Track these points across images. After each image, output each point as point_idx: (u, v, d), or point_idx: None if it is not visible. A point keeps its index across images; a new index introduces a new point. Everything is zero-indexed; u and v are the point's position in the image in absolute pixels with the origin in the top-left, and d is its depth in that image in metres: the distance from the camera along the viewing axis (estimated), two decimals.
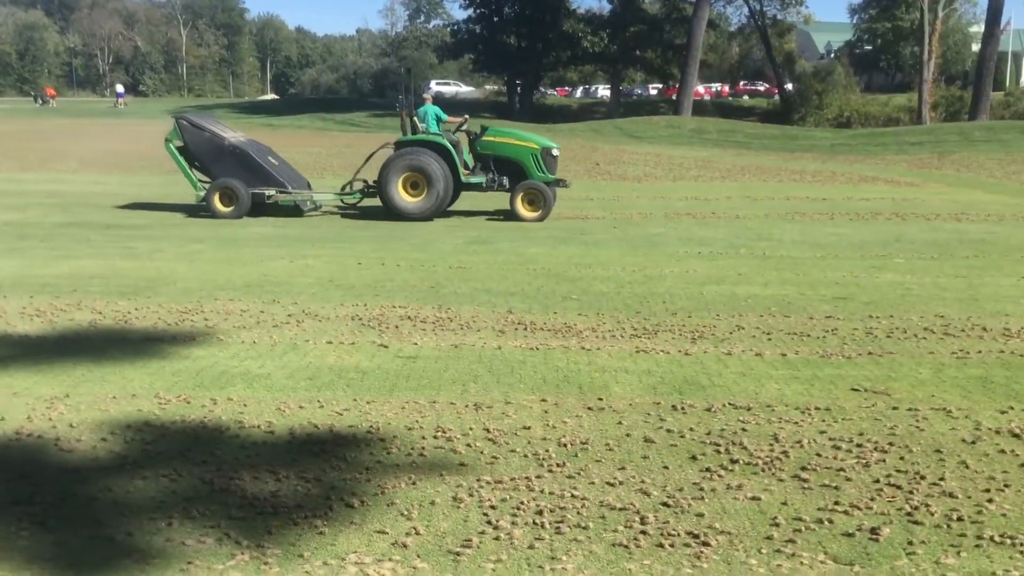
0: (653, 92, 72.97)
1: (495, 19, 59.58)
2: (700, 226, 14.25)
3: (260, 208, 14.98)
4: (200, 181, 15.39)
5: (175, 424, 5.20)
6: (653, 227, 14.06)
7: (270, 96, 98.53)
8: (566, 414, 5.44)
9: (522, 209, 15.02)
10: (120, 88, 73.31)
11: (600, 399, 5.71)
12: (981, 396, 5.81)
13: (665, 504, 4.20)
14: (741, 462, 4.70)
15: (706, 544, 3.80)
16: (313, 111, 54.80)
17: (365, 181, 15.62)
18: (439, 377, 6.15)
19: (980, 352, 6.81)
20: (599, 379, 6.13)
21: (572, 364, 6.47)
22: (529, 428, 5.20)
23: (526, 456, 4.79)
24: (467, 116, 16.92)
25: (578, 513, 4.11)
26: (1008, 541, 3.83)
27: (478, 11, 60.46)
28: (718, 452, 4.85)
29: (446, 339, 7.12)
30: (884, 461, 4.72)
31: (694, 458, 4.77)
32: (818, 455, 4.80)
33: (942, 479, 4.48)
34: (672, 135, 41.15)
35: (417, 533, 3.91)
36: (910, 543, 3.82)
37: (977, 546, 3.80)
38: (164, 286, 9.03)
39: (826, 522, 4.01)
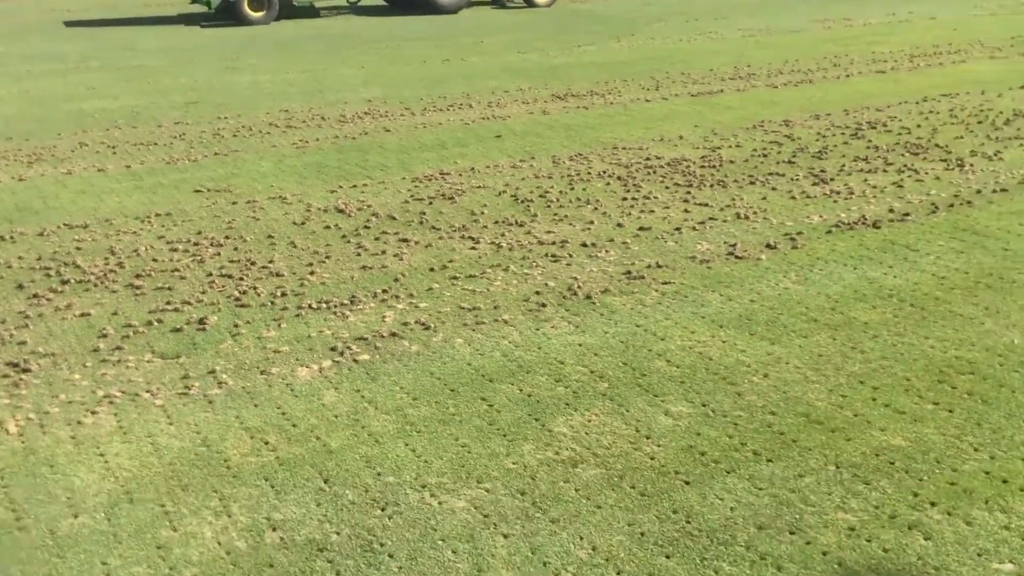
0: None
1: None
2: (53, 40, 12.96)
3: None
4: None
5: None
6: None
7: None
8: None
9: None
10: None
11: None
12: (315, 180, 6.20)
13: None
14: (72, 281, 4.50)
15: (26, 371, 3.62)
16: None
17: None
18: None
19: (318, 140, 7.23)
20: None
21: None
22: None
23: None
24: None
25: None
26: (324, 305, 4.20)
27: None
28: (48, 276, 4.59)
29: None
30: (219, 255, 4.85)
31: (21, 287, 4.46)
32: (155, 260, 4.78)
33: (271, 262, 4.74)
34: None
35: None
36: (236, 325, 4.01)
37: (297, 315, 4.12)
38: None
39: (155, 323, 4.04)
